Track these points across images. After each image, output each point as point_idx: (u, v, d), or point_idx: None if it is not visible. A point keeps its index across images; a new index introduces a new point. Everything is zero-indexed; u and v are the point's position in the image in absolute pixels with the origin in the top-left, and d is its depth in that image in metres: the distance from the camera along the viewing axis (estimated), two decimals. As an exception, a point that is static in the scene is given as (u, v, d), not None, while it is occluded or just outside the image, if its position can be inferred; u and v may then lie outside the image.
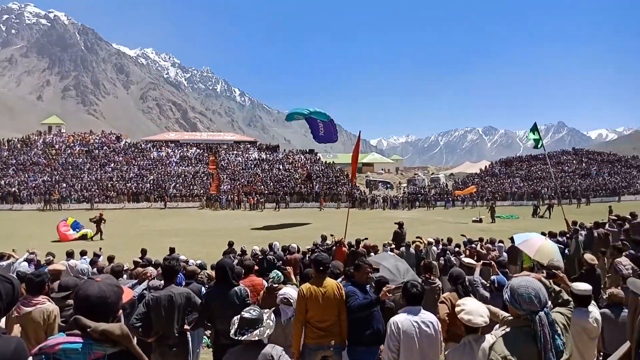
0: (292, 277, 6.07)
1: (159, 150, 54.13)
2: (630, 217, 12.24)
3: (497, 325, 3.03)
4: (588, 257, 6.90)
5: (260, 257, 10.37)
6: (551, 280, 3.47)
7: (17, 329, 3.25)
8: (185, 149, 55.41)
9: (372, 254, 10.07)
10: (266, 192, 45.92)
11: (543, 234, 9.54)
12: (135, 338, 3.99)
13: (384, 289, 4.56)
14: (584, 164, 53.40)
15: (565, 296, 2.98)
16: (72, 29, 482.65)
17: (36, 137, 52.77)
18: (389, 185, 56.39)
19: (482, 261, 7.44)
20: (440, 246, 11.43)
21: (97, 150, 51.02)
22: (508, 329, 2.59)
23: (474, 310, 3.31)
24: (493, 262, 6.82)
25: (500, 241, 12.64)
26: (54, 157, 48.15)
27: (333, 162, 59.82)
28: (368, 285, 4.93)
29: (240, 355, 3.15)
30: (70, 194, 41.28)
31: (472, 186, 43.04)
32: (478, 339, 3.25)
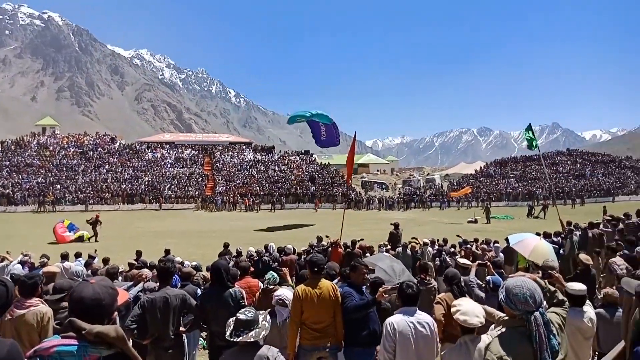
0: (288, 278, 6.07)
1: (154, 151, 53.97)
2: (624, 217, 12.31)
3: (493, 326, 3.04)
4: (583, 257, 6.93)
5: (255, 258, 10.36)
6: (546, 281, 3.48)
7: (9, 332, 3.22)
8: (180, 150, 55.27)
9: (367, 254, 10.08)
10: (262, 193, 45.88)
11: (538, 234, 9.57)
12: (131, 340, 3.97)
13: (380, 289, 4.56)
14: (578, 165, 53.71)
15: (561, 296, 2.99)
16: (66, 29, 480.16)
17: (30, 139, 52.42)
18: (384, 186, 56.50)
19: (477, 262, 7.46)
20: (436, 247, 11.45)
21: (91, 152, 50.77)
22: (504, 329, 2.59)
23: (469, 310, 3.32)
24: (489, 263, 6.84)
25: (496, 242, 12.68)
26: (48, 158, 47.88)
27: (328, 163, 59.85)
28: (364, 286, 4.93)
29: (236, 357, 3.15)
30: (65, 196, 41.05)
31: (467, 187, 43.19)
32: (474, 339, 3.26)
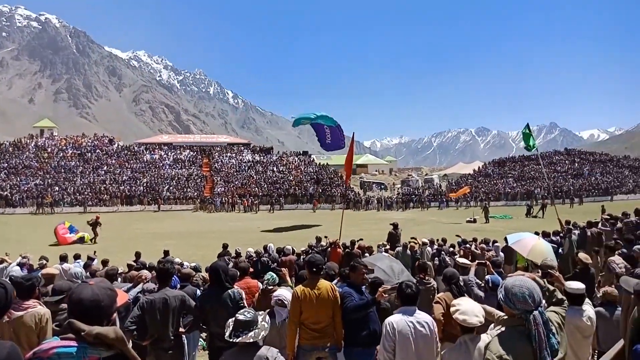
0: (288, 278, 6.06)
1: (152, 152, 53.92)
2: (622, 216, 12.34)
3: (492, 325, 3.04)
4: (582, 256, 6.94)
5: (254, 259, 10.35)
6: (545, 280, 3.49)
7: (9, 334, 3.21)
8: (178, 152, 55.21)
9: (366, 255, 10.08)
10: (260, 194, 45.86)
11: (536, 233, 9.58)
12: (131, 341, 3.97)
13: (380, 289, 4.57)
14: (576, 164, 53.77)
15: (560, 295, 3.00)
16: (63, 31, 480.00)
17: (28, 141, 52.38)
18: (383, 187, 56.52)
19: (477, 261, 7.47)
20: (435, 246, 11.45)
21: (89, 154, 50.72)
22: (503, 329, 2.59)
23: (469, 310, 3.32)
24: (488, 262, 6.85)
25: (495, 241, 12.68)
26: (46, 160, 47.81)
27: (327, 163, 59.85)
28: (363, 286, 4.93)
29: (236, 357, 3.15)
30: (63, 198, 40.99)
31: (465, 187, 43.22)
32: (474, 339, 3.26)
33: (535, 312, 2.44)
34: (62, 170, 46.39)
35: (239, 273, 6.51)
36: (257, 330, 3.11)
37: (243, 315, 3.15)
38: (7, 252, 10.10)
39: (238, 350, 3.15)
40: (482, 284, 5.93)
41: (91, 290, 2.06)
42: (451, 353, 3.41)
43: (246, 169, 52.46)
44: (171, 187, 46.03)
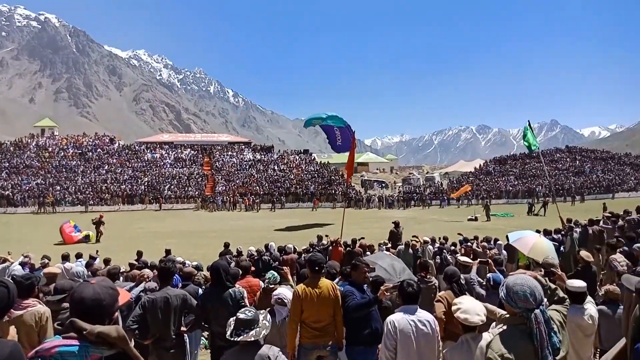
0: (289, 277, 6.06)
1: (153, 152, 53.94)
2: (624, 213, 12.31)
3: (494, 324, 3.04)
4: (584, 254, 6.93)
5: (256, 257, 10.37)
6: (547, 278, 3.48)
7: (12, 332, 3.22)
8: (179, 151, 55.23)
9: (368, 253, 10.08)
10: (261, 192, 45.86)
11: (538, 231, 9.58)
12: (132, 340, 3.97)
13: (382, 288, 4.57)
14: (577, 162, 53.70)
15: (561, 294, 3.00)
16: (63, 31, 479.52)
17: (29, 140, 52.42)
18: (384, 185, 56.49)
19: (479, 259, 7.46)
20: (437, 245, 11.46)
21: (90, 153, 50.76)
22: (505, 327, 2.59)
23: (470, 309, 3.32)
24: (490, 260, 6.84)
25: (497, 239, 12.66)
26: (48, 159, 47.85)
27: (328, 162, 59.83)
28: (365, 285, 4.93)
29: (237, 356, 3.15)
30: (65, 197, 41.04)
31: (466, 185, 43.19)
32: (475, 337, 3.26)
33: (537, 311, 2.44)
34: (63, 170, 46.43)
35: (240, 272, 6.52)
36: (258, 329, 3.12)
37: (244, 314, 3.16)
38: (9, 251, 10.11)
39: (239, 349, 3.15)
40: (484, 283, 5.92)
41: (93, 289, 2.06)
42: (453, 352, 3.41)
43: (247, 167, 52.47)
44: (172, 186, 46.05)
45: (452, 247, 11.51)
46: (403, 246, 10.95)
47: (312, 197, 45.10)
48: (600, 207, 26.39)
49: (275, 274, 5.87)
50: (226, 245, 12.74)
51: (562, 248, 10.89)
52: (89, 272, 8.52)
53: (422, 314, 3.88)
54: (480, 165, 59.34)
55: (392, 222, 15.03)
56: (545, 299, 2.64)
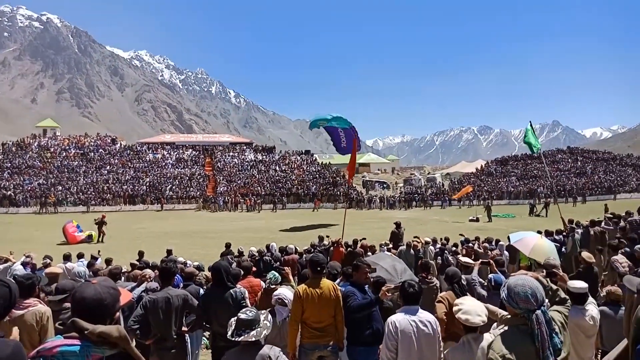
0: (291, 277, 6.06)
1: (155, 152, 54.00)
2: (625, 214, 12.29)
3: (495, 324, 3.04)
4: (585, 255, 6.91)
5: (257, 258, 10.37)
6: (548, 279, 3.48)
7: (15, 332, 3.23)
8: (181, 151, 55.27)
9: (369, 254, 10.08)
10: (263, 193, 45.88)
11: (539, 232, 9.57)
12: (134, 340, 3.98)
13: (383, 288, 4.57)
14: (579, 163, 53.63)
15: (563, 295, 2.99)
16: (65, 31, 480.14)
17: (31, 140, 52.53)
18: (385, 186, 56.43)
19: (480, 260, 7.46)
20: (438, 245, 11.45)
21: (92, 153, 50.85)
22: (506, 328, 2.59)
23: (471, 309, 3.32)
24: (491, 261, 6.84)
25: (497, 240, 12.65)
26: (49, 160, 47.95)
27: (329, 162, 59.83)
28: (367, 285, 4.94)
29: (238, 357, 3.16)
30: (66, 197, 41.10)
31: (468, 186, 43.15)
32: (477, 338, 3.26)
33: (538, 312, 2.44)
34: (65, 170, 46.52)
35: (242, 272, 6.53)
36: (259, 329, 3.12)
37: (245, 314, 3.16)
38: (11, 251, 10.13)
39: (240, 349, 3.16)
40: (485, 283, 5.92)
41: (94, 289, 2.07)
42: (454, 352, 3.41)
43: (248, 168, 52.49)
44: (174, 187, 46.09)
45: (454, 248, 11.51)
46: (404, 247, 10.94)
47: (313, 198, 45.10)
48: (602, 208, 26.34)
49: (277, 274, 5.88)
50: (227, 245, 12.74)
51: (563, 249, 10.88)
52: (91, 272, 8.53)
53: (424, 315, 3.88)
54: (481, 166, 59.27)
55: (394, 223, 15.03)
56: (546, 300, 2.64)
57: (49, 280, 6.16)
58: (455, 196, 41.68)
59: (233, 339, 3.10)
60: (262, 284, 6.23)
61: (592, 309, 4.21)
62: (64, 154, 49.86)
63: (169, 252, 11.98)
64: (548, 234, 11.56)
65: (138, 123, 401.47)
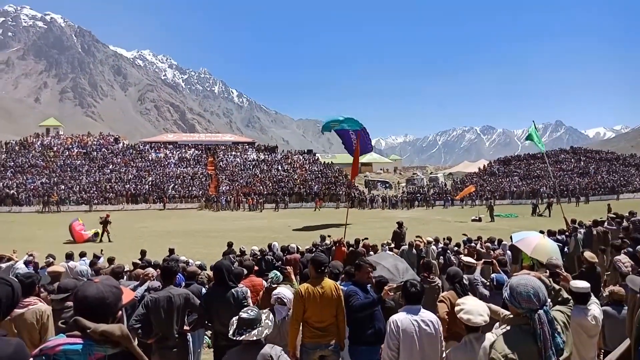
0: (292, 277, 6.07)
1: (157, 151, 54.07)
2: (628, 214, 12.27)
3: (498, 324, 3.03)
4: (588, 255, 6.90)
5: (259, 257, 10.38)
6: (551, 279, 3.47)
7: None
8: (183, 150, 55.34)
9: (371, 253, 10.08)
10: (265, 192, 45.91)
11: (542, 232, 9.55)
12: (136, 339, 3.98)
13: (386, 287, 4.57)
14: (582, 163, 53.48)
15: (565, 295, 2.99)
16: (68, 31, 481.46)
17: (34, 140, 52.64)
18: (387, 185, 56.41)
19: (483, 260, 7.45)
20: (441, 245, 11.44)
21: (95, 152, 50.95)
22: (508, 327, 2.59)
23: (473, 309, 3.31)
24: (494, 261, 6.83)
25: (500, 240, 12.63)
26: (52, 159, 48.05)
27: (332, 162, 59.82)
28: (369, 285, 4.94)
29: (240, 356, 3.16)
30: (69, 196, 41.18)
31: (470, 186, 43.07)
32: (479, 338, 3.25)
33: (540, 311, 2.44)
34: (68, 169, 46.62)
35: (245, 271, 6.53)
36: (260, 329, 3.12)
37: (246, 313, 3.16)
38: (14, 250, 10.15)
39: (242, 348, 3.16)
40: (488, 283, 5.91)
41: (96, 287, 2.07)
42: (456, 352, 3.40)
43: (251, 167, 52.53)
44: (176, 186, 46.15)
45: (456, 248, 11.50)
46: (407, 246, 10.94)
47: (315, 197, 45.11)
48: (605, 208, 26.27)
49: (278, 273, 5.88)
50: (229, 244, 12.74)
51: (566, 249, 10.87)
52: (93, 271, 8.56)
53: (426, 314, 3.87)
54: (484, 165, 59.18)
55: (396, 223, 15.03)
56: (549, 300, 2.63)
57: (52, 278, 6.17)
58: (458, 196, 41.64)
59: (234, 338, 3.10)
60: (264, 283, 6.24)
61: (594, 308, 4.20)
62: (67, 153, 49.96)
63: (171, 251, 12.00)
64: (551, 233, 11.54)
65: (141, 122, 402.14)
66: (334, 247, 11.73)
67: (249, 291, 5.04)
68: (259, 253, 10.80)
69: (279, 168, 53.00)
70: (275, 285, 5.53)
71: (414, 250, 10.55)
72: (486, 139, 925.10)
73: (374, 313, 4.57)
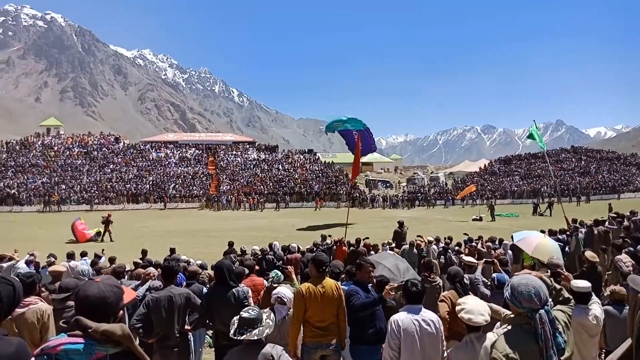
0: (293, 276, 6.06)
1: (158, 151, 54.09)
2: (629, 214, 12.25)
3: (499, 323, 3.03)
4: (589, 254, 6.90)
5: (260, 257, 10.37)
6: (552, 278, 3.47)
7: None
8: (184, 150, 55.36)
9: (372, 253, 10.08)
10: (266, 192, 45.92)
11: (542, 231, 9.54)
12: (137, 339, 3.99)
13: (387, 287, 4.57)
14: (583, 162, 53.45)
15: (566, 294, 2.99)
16: (69, 30, 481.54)
17: (35, 139, 52.69)
18: (388, 185, 56.39)
19: (484, 259, 7.44)
20: (441, 245, 11.44)
21: (95, 152, 50.98)
22: (509, 327, 2.59)
23: (474, 309, 3.30)
24: (495, 260, 6.82)
25: (501, 240, 12.62)
26: (53, 158, 48.10)
27: (332, 161, 59.81)
28: (370, 284, 4.94)
29: (241, 355, 3.15)
30: (70, 196, 41.24)
31: (471, 185, 43.06)
32: (480, 337, 3.25)
33: (542, 311, 2.44)
34: (69, 169, 46.66)
35: (246, 271, 6.53)
36: (261, 328, 3.12)
37: (247, 313, 3.16)
38: (15, 249, 10.16)
39: (243, 348, 3.15)
40: (489, 282, 5.91)
41: (97, 287, 2.07)
42: (457, 351, 3.40)
43: (251, 167, 52.55)
44: (177, 185, 46.18)
45: (457, 247, 11.49)
46: (407, 246, 10.94)
47: (316, 197, 45.11)
48: (606, 207, 26.26)
49: (279, 273, 5.88)
50: (230, 244, 12.74)
51: (567, 248, 10.86)
52: (94, 271, 8.55)
53: (426, 314, 3.87)
54: (485, 165, 59.15)
55: (397, 222, 15.02)
56: (550, 300, 2.63)
57: (53, 278, 6.17)
58: (459, 195, 41.62)
59: (235, 337, 3.10)
60: (265, 283, 6.23)
61: (595, 308, 4.19)
62: (68, 152, 49.99)
63: (172, 250, 11.99)
64: (552, 233, 11.53)
65: (141, 122, 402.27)
66: (334, 247, 11.72)
67: (250, 291, 5.03)
68: (259, 252, 10.79)
69: (280, 167, 53.00)
70: (276, 285, 5.52)
71: (415, 250, 10.54)
72: (487, 138, 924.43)
73: (375, 312, 4.57)
